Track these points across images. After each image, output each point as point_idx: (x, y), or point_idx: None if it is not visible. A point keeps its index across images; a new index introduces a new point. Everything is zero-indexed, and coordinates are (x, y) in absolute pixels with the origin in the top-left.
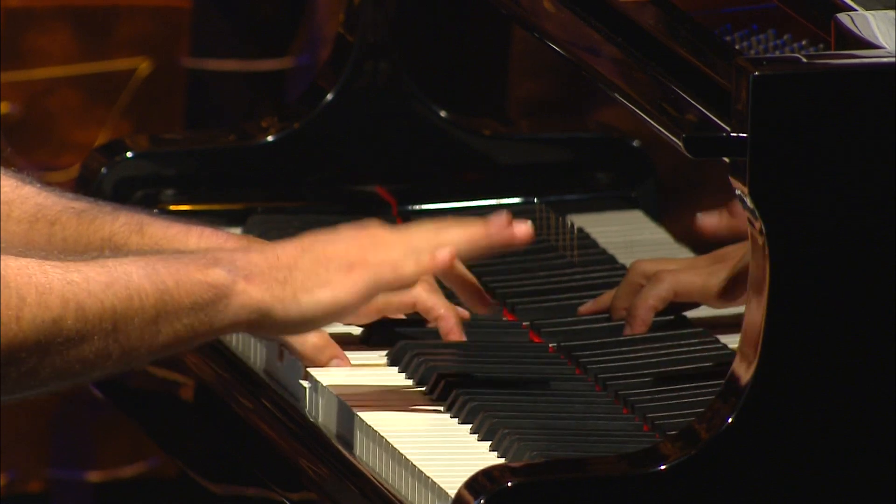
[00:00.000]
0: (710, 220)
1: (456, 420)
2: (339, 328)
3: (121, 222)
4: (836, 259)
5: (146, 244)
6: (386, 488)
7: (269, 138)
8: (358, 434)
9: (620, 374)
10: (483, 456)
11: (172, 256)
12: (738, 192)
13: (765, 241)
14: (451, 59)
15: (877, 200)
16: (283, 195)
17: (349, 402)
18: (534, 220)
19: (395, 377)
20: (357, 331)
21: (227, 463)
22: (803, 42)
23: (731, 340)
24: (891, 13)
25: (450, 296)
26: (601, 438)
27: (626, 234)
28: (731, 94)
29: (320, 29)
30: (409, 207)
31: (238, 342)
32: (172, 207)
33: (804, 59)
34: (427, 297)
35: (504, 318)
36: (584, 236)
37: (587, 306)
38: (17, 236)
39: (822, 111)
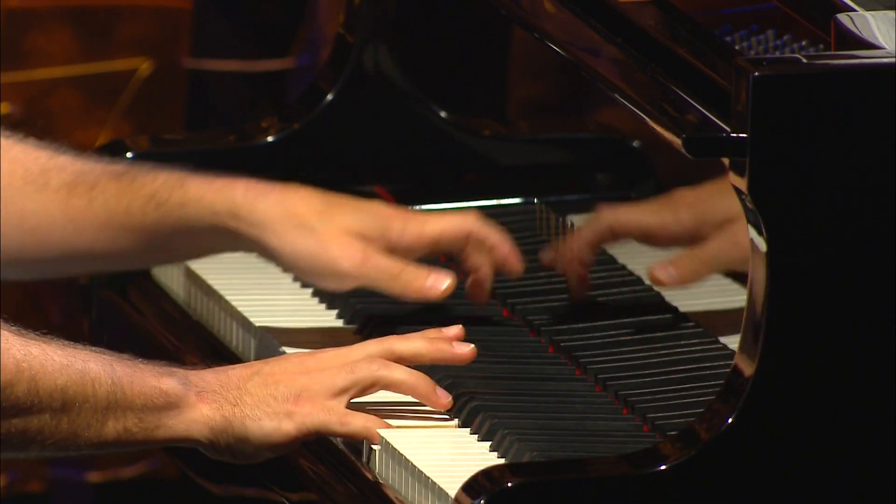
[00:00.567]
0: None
1: (456, 420)
2: (338, 323)
3: (161, 180)
4: (837, 259)
5: (190, 198)
6: (386, 489)
7: (270, 139)
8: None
9: (620, 374)
10: (483, 456)
11: (129, 358)
12: (738, 191)
13: (765, 241)
14: (451, 59)
15: (877, 200)
16: None
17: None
18: (534, 221)
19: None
20: (352, 328)
21: (227, 463)
22: (803, 42)
23: (731, 340)
24: (891, 14)
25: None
26: (601, 439)
27: None
28: (731, 94)
29: (321, 29)
30: (410, 208)
31: (238, 341)
32: None
33: (804, 60)
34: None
35: (504, 318)
36: None
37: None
38: (55, 204)
39: (822, 111)
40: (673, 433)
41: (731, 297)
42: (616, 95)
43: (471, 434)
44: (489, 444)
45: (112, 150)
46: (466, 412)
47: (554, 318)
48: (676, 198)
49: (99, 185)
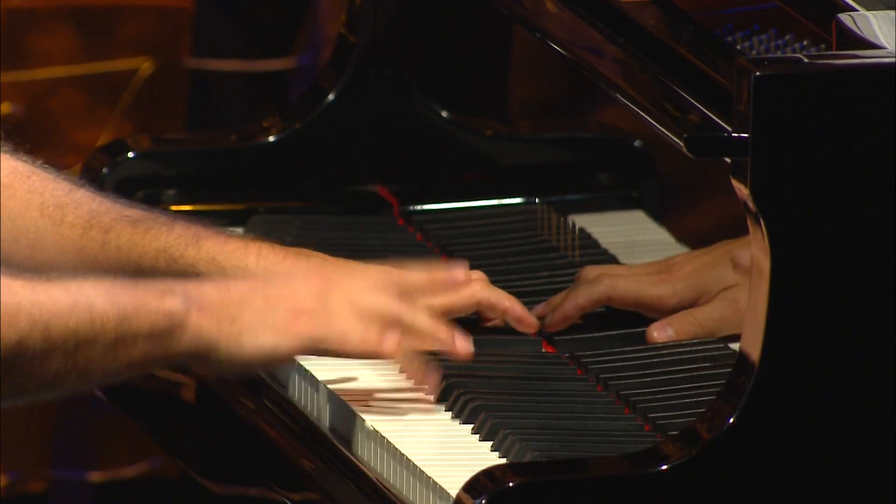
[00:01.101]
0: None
1: (457, 420)
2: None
3: (176, 234)
4: (838, 259)
5: (202, 258)
6: (387, 488)
7: (271, 138)
8: (360, 434)
9: (622, 374)
10: (484, 456)
11: (130, 284)
12: (739, 191)
13: (766, 240)
14: (452, 59)
15: (878, 200)
16: (285, 195)
17: (351, 403)
18: (535, 221)
19: (396, 377)
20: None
21: (228, 463)
22: (804, 42)
23: (732, 341)
24: (892, 13)
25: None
26: (602, 438)
27: (627, 234)
28: (732, 94)
29: (322, 29)
30: (411, 208)
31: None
32: (174, 208)
33: (805, 60)
34: (488, 293)
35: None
36: (585, 236)
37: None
38: (70, 241)
39: (824, 111)
40: (674, 433)
41: None
42: (618, 95)
43: (472, 433)
44: (490, 443)
45: (114, 150)
46: (468, 412)
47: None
48: (675, 269)
49: (114, 230)
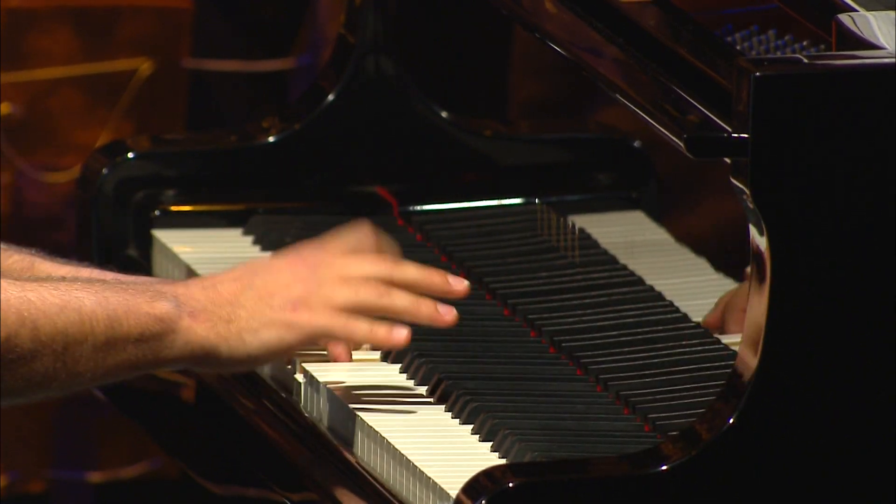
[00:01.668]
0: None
1: (457, 420)
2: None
3: (13, 259)
4: (838, 259)
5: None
6: (387, 489)
7: (271, 139)
8: (359, 434)
9: (621, 374)
10: (484, 456)
11: (120, 286)
12: (739, 192)
13: (767, 241)
14: (452, 59)
15: (878, 200)
16: (285, 196)
17: (350, 403)
18: (535, 221)
19: (396, 377)
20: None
21: (228, 463)
22: (804, 43)
23: (733, 340)
24: (891, 14)
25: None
26: (602, 439)
27: (626, 234)
28: (732, 94)
29: (321, 30)
30: (411, 208)
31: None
32: (174, 208)
33: (805, 60)
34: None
35: (505, 318)
36: (585, 237)
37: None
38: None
39: (824, 111)
40: (674, 433)
41: None
42: (617, 96)
43: (472, 434)
44: (490, 443)
45: (113, 151)
46: (468, 412)
47: (555, 317)
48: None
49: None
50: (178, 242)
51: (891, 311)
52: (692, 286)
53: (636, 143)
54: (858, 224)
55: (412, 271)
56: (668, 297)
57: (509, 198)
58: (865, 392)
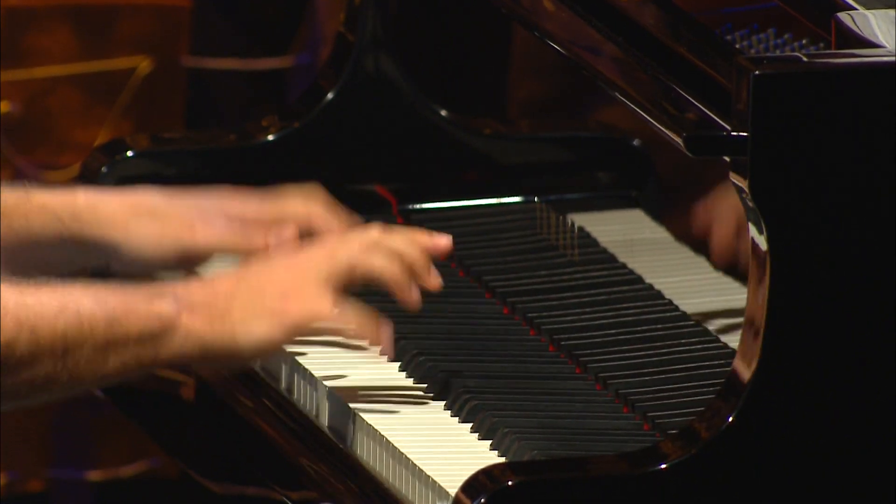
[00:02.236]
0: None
1: (456, 419)
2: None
3: (7, 194)
4: (837, 257)
5: (33, 208)
6: (386, 487)
7: (270, 137)
8: (359, 433)
9: (621, 372)
10: (483, 455)
11: (119, 287)
12: (738, 190)
13: (766, 239)
14: (451, 58)
15: (877, 199)
16: None
17: (350, 402)
18: (534, 219)
19: (395, 375)
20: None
21: (227, 462)
22: (804, 41)
23: (732, 339)
24: (891, 12)
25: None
26: (601, 437)
27: (626, 233)
28: (731, 93)
29: (320, 28)
30: (410, 207)
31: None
32: None
33: (804, 59)
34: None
35: (504, 317)
36: (584, 235)
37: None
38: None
39: (823, 110)
40: (673, 432)
41: (731, 295)
42: (617, 94)
43: (471, 432)
44: (490, 442)
45: (112, 149)
46: (467, 410)
47: (554, 316)
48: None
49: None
50: None
51: (890, 310)
52: (691, 285)
53: (636, 142)
54: (858, 222)
55: (400, 241)
56: (668, 296)
57: (509, 196)
58: (865, 391)
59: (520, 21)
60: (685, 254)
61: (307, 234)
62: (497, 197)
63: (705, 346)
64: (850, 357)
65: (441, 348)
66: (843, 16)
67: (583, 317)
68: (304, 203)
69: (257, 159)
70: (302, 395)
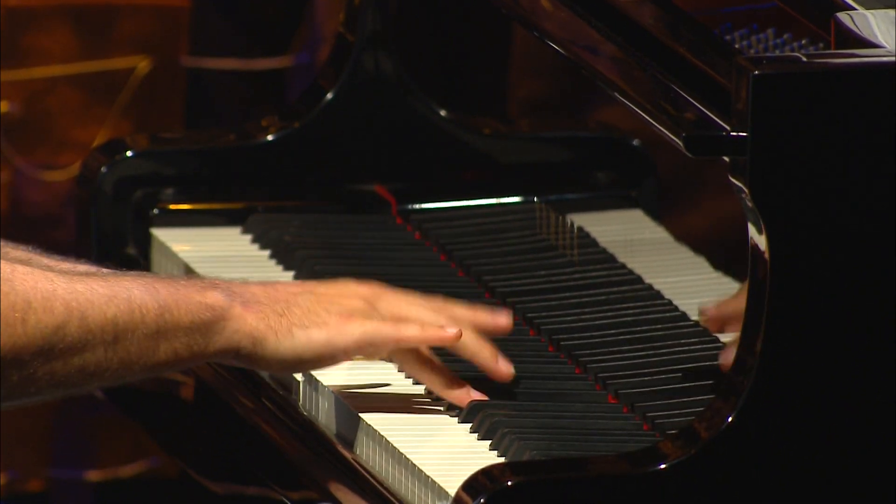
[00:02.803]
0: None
1: (456, 419)
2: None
3: (11, 256)
4: (837, 258)
5: None
6: (386, 487)
7: (270, 137)
8: (358, 433)
9: (620, 373)
10: (483, 455)
11: (170, 278)
12: (738, 190)
13: (765, 240)
14: (451, 58)
15: (877, 199)
16: (284, 194)
17: (349, 402)
18: (534, 219)
19: (395, 376)
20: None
21: (227, 462)
22: (803, 41)
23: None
24: (891, 12)
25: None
26: (601, 438)
27: (626, 233)
28: (731, 93)
29: (319, 28)
30: (409, 207)
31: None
32: (172, 207)
33: (804, 59)
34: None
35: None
36: (584, 235)
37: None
38: None
39: (823, 110)
40: (673, 432)
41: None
42: (616, 94)
43: (471, 432)
44: (489, 442)
45: (112, 149)
46: (466, 410)
47: (554, 316)
48: None
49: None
50: (176, 241)
51: (890, 310)
52: (691, 285)
53: (635, 142)
54: (857, 223)
55: (469, 338)
56: (667, 296)
57: (508, 196)
58: (865, 391)
59: (519, 21)
60: (685, 254)
61: None
62: (497, 197)
63: (705, 346)
64: (850, 357)
65: (440, 348)
66: (842, 16)
67: (582, 317)
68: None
69: (257, 159)
70: (301, 395)
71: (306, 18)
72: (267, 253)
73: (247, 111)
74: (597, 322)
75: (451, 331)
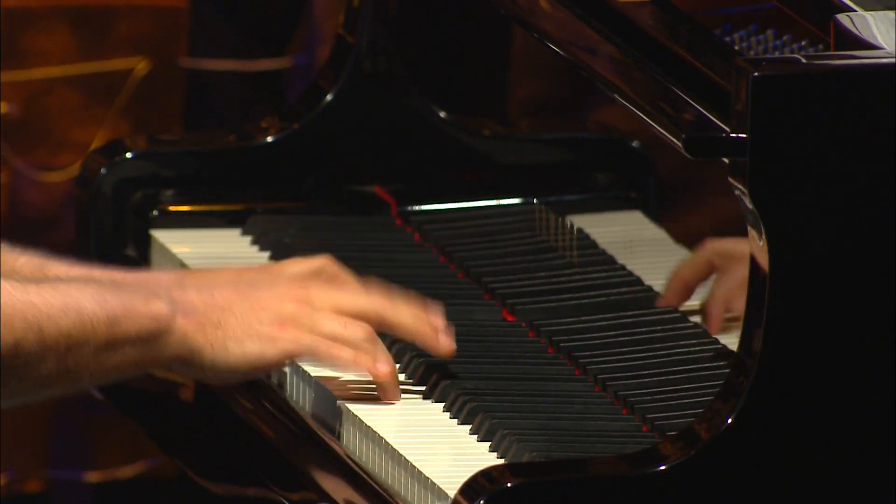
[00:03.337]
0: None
1: (455, 420)
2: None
3: (22, 261)
4: (837, 259)
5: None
6: (385, 489)
7: (269, 139)
8: (357, 434)
9: (620, 374)
10: (482, 456)
11: (116, 287)
12: (738, 192)
13: (765, 241)
14: (451, 59)
15: (877, 201)
16: (283, 196)
17: (349, 403)
18: (533, 221)
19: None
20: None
21: (226, 463)
22: (803, 43)
23: (731, 340)
24: (890, 14)
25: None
26: (601, 439)
27: (625, 234)
28: (730, 94)
29: (318, 29)
30: (409, 208)
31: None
32: (172, 208)
33: (804, 60)
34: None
35: (504, 319)
36: (583, 237)
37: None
38: None
39: (822, 112)
40: (673, 433)
41: None
42: (616, 96)
43: (470, 434)
44: (489, 444)
45: (112, 150)
46: (466, 412)
47: (554, 318)
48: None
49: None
50: (176, 242)
51: (890, 311)
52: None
53: (635, 144)
54: (857, 224)
55: (406, 315)
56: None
57: (508, 198)
58: (865, 392)
59: (518, 22)
60: (685, 255)
61: None
62: (496, 198)
63: (704, 347)
64: (850, 358)
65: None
66: (842, 17)
67: (582, 318)
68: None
69: (257, 160)
70: (300, 396)
71: (305, 19)
72: (267, 254)
73: (245, 112)
74: (596, 323)
75: (384, 369)
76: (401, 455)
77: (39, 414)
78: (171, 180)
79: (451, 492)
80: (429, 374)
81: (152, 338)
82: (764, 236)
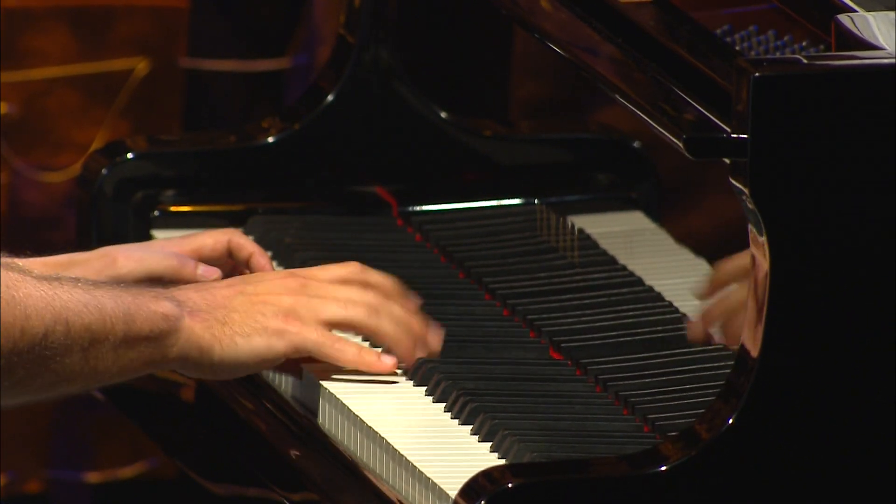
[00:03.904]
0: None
1: (457, 421)
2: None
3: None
4: (837, 260)
5: None
6: (386, 489)
7: (270, 139)
8: (359, 435)
9: (621, 374)
10: (483, 457)
11: (127, 286)
12: (738, 192)
13: (766, 241)
14: (451, 59)
15: (877, 201)
16: (284, 196)
17: (350, 404)
18: (534, 221)
19: (395, 378)
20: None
21: (226, 463)
22: (804, 43)
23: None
24: (891, 14)
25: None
26: (601, 439)
27: (626, 235)
28: (731, 95)
29: (318, 29)
30: (410, 208)
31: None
32: (173, 208)
33: (805, 61)
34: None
35: (504, 318)
36: (584, 237)
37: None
38: None
39: (823, 112)
40: (673, 434)
41: None
42: (617, 96)
43: (471, 434)
44: (489, 444)
45: (113, 151)
46: (467, 412)
47: (555, 318)
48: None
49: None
50: None
51: (891, 311)
52: (692, 286)
53: (636, 144)
54: (858, 224)
55: (397, 311)
56: (668, 298)
57: (509, 198)
58: (865, 392)
59: (519, 22)
60: (685, 256)
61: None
62: (497, 199)
63: (705, 348)
64: (851, 359)
65: (441, 350)
66: (843, 18)
67: (583, 319)
68: (218, 233)
69: (257, 161)
70: (301, 396)
71: (304, 20)
72: (267, 255)
73: (245, 112)
74: (597, 324)
75: (387, 362)
76: (402, 455)
77: (39, 414)
78: (171, 181)
79: (452, 492)
80: (429, 375)
81: (163, 336)
82: (765, 236)
